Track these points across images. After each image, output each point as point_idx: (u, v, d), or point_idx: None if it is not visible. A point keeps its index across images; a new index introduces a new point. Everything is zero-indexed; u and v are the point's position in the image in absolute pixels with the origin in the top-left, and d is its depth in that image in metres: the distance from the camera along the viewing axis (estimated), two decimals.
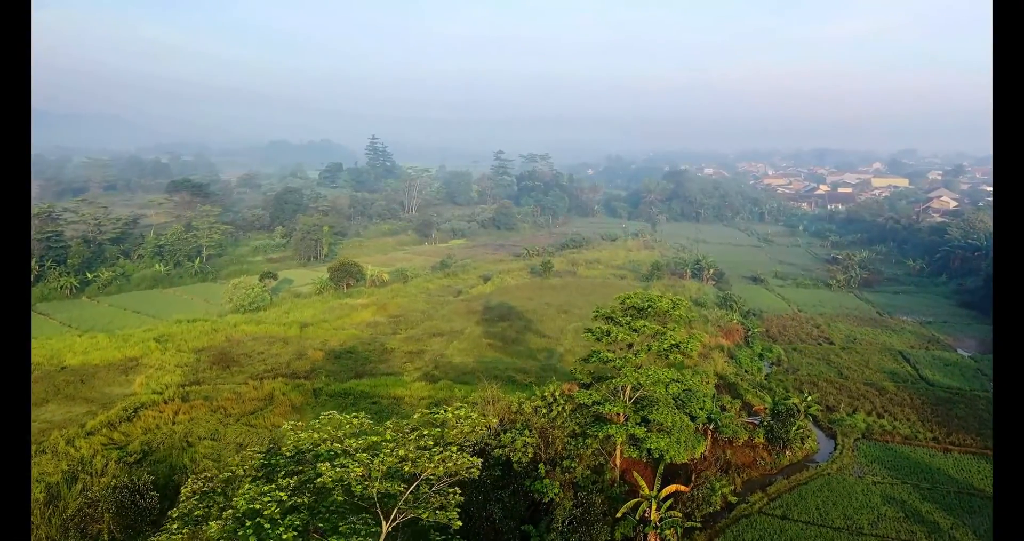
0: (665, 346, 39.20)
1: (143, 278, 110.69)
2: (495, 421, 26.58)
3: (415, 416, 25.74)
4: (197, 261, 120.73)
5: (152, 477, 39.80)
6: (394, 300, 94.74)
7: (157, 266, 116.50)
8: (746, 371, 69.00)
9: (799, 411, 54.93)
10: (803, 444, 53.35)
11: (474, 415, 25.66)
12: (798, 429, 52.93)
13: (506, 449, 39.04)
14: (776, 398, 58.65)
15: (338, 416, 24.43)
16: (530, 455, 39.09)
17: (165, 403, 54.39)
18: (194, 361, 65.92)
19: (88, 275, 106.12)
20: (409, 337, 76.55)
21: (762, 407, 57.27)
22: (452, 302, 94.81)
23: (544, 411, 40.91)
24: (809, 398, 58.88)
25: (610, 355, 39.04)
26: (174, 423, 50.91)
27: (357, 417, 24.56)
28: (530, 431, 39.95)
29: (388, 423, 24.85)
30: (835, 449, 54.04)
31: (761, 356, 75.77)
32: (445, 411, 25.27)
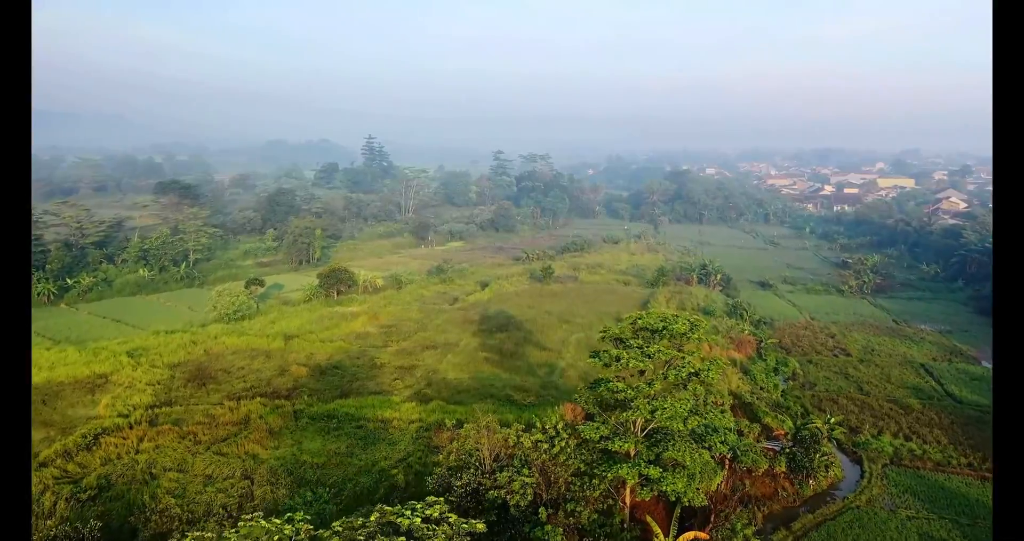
0: (683, 375, 34.53)
1: (126, 284, 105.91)
2: (481, 526, 21.82)
3: (372, 516, 20.60)
4: (183, 266, 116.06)
5: (101, 523, 35.23)
6: (386, 308, 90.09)
7: (141, 271, 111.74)
8: (761, 388, 64.29)
9: (823, 435, 50.38)
10: (827, 472, 48.66)
11: (452, 517, 20.73)
12: (822, 456, 48.35)
13: (502, 490, 34.43)
14: (796, 420, 54.13)
15: (264, 523, 19.37)
16: (529, 497, 34.48)
17: (130, 428, 49.70)
18: (168, 378, 61.20)
19: (68, 281, 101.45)
20: (401, 350, 71.85)
21: (782, 432, 52.68)
22: (448, 310, 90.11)
23: (545, 446, 36.26)
24: (832, 420, 54.28)
25: (620, 385, 34.36)
26: (137, 451, 46.24)
27: (292, 520, 19.48)
28: (529, 469, 35.32)
29: (337, 525, 19.90)
30: (862, 477, 49.45)
31: (776, 370, 71.07)
32: (412, 512, 20.31)
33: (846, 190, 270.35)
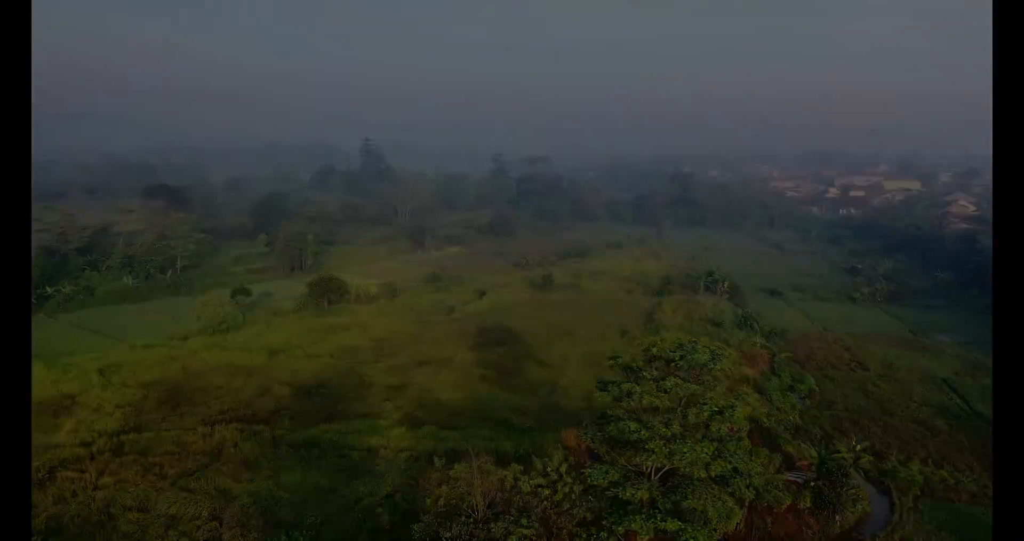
0: (705, 415, 30.22)
1: (109, 292, 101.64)
2: None
3: None
4: (169, 273, 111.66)
5: None
6: (379, 320, 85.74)
7: (125, 279, 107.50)
8: (778, 409, 59.93)
9: (850, 465, 46.08)
10: (855, 506, 44.39)
11: None
12: (850, 489, 44.07)
13: None
14: (819, 448, 49.74)
15: None
16: None
17: (91, 459, 45.44)
18: (140, 399, 56.86)
19: (48, 289, 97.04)
20: (392, 367, 67.49)
21: (806, 462, 48.33)
22: (443, 322, 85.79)
23: (547, 492, 31.94)
24: (858, 447, 49.94)
25: (633, 425, 30.05)
26: (95, 488, 41.96)
27: None
28: (528, 518, 30.97)
29: None
30: (892, 512, 45.24)
31: (792, 388, 66.68)
32: None
33: (852, 193, 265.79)
